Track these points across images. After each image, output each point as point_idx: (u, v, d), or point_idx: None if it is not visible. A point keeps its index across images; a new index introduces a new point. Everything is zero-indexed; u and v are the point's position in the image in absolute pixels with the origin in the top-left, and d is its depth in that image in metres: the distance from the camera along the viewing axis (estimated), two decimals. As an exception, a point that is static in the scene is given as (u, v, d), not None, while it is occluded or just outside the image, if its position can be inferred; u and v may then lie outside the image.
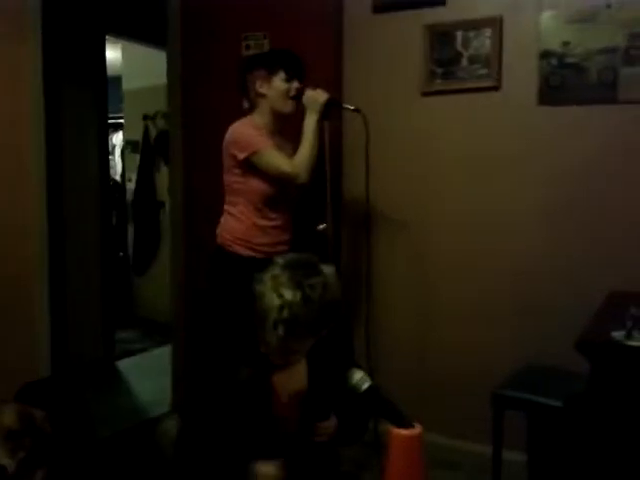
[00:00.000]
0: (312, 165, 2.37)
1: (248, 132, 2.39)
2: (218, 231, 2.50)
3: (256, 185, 2.40)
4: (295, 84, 2.41)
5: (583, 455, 1.89)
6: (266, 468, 1.46)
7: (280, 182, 2.39)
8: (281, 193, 2.43)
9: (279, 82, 2.40)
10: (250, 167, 2.38)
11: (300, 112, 2.43)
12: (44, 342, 2.76)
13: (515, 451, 2.45)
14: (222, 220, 2.50)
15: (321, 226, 2.63)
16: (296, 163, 2.36)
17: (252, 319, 1.55)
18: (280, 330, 1.45)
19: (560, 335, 2.22)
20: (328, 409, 1.59)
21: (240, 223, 2.44)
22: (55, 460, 1.58)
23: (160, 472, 2.57)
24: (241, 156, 2.36)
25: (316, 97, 2.39)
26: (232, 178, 2.44)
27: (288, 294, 1.45)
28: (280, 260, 1.56)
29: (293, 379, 1.61)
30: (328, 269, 1.55)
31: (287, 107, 2.43)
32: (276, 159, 2.35)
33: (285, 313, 1.44)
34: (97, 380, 3.82)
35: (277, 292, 1.46)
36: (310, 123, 2.38)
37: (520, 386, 2.26)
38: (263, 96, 2.43)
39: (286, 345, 1.48)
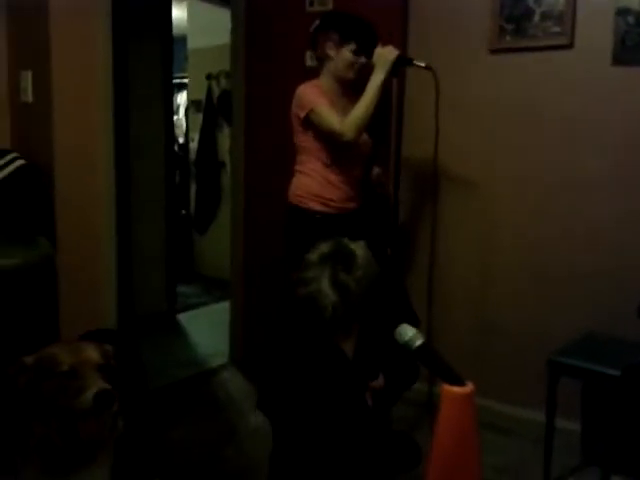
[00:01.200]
0: (363, 125, 2.35)
1: (309, 91, 2.42)
2: (291, 190, 2.53)
3: (322, 142, 2.43)
4: (362, 59, 2.43)
5: (638, 426, 1.86)
6: None
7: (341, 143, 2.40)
8: (348, 149, 2.44)
9: (347, 53, 2.42)
10: (312, 126, 2.41)
11: (364, 69, 2.42)
12: (111, 295, 2.86)
13: (569, 419, 2.43)
14: (294, 180, 2.53)
15: (376, 169, 2.63)
16: (346, 121, 2.34)
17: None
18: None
19: (623, 303, 2.16)
20: (377, 369, 1.61)
21: (312, 180, 2.48)
22: (123, 399, 1.65)
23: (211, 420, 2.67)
24: (302, 114, 2.40)
25: (386, 55, 2.36)
26: (300, 137, 2.48)
27: (331, 293, 1.57)
28: (318, 253, 1.64)
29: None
30: (360, 250, 1.63)
31: (348, 75, 2.45)
32: (328, 116, 2.36)
33: (329, 311, 1.57)
34: (159, 332, 3.97)
35: (323, 290, 1.58)
36: (374, 82, 2.35)
37: (577, 353, 2.22)
38: (330, 58, 2.45)
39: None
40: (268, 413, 1.65)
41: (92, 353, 1.52)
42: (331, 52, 2.44)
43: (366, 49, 2.42)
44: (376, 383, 1.62)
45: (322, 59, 2.50)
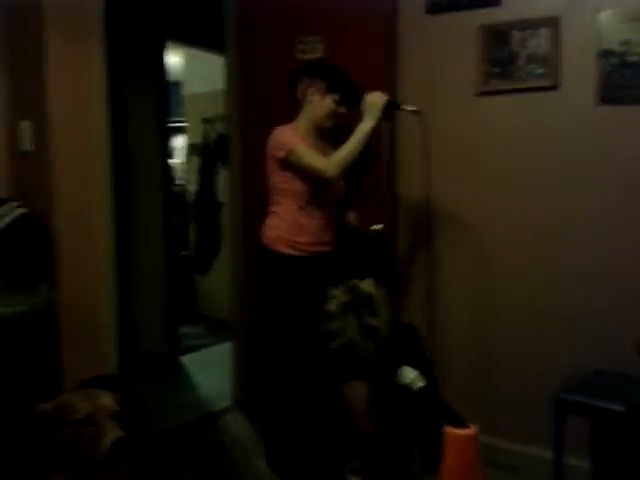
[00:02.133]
0: (346, 165, 2.40)
1: (286, 133, 2.50)
2: (263, 231, 2.59)
3: (298, 184, 2.49)
4: (342, 109, 2.53)
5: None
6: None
7: (321, 183, 2.46)
8: (323, 192, 2.51)
9: (330, 102, 2.52)
10: (290, 166, 2.47)
11: (353, 118, 2.49)
12: (111, 339, 2.86)
13: (577, 457, 2.42)
14: (267, 220, 2.60)
15: (376, 226, 2.67)
16: (330, 159, 2.41)
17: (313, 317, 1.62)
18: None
19: (624, 340, 2.19)
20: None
21: (283, 222, 2.53)
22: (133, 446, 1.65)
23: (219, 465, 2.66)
24: (280, 155, 2.47)
25: (375, 101, 2.42)
26: (275, 178, 2.54)
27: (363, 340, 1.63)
28: (336, 303, 1.70)
29: None
30: (372, 288, 1.65)
31: (327, 123, 2.56)
32: (309, 155, 2.44)
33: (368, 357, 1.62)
34: (161, 374, 3.96)
35: (355, 339, 1.63)
36: (364, 127, 2.40)
37: (582, 390, 2.23)
38: (310, 103, 2.55)
39: None
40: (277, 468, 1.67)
41: (107, 400, 1.53)
42: (314, 98, 2.53)
43: (348, 100, 2.52)
44: None
45: (299, 102, 2.58)
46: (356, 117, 2.47)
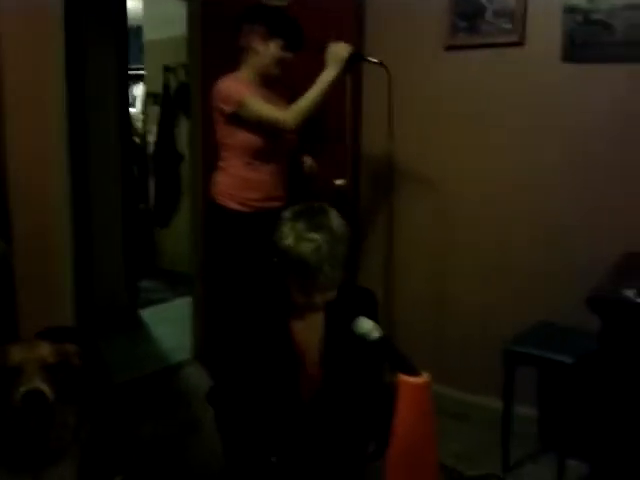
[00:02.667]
0: (306, 117, 2.33)
1: (233, 85, 2.39)
2: (210, 187, 2.54)
3: (244, 138, 2.41)
4: (289, 54, 2.43)
5: (593, 412, 1.93)
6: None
7: (270, 134, 2.40)
8: (271, 146, 2.44)
9: (275, 48, 2.41)
10: (238, 120, 2.39)
11: (312, 66, 2.40)
12: (68, 292, 2.82)
13: (524, 405, 2.51)
14: (214, 175, 2.54)
15: (339, 181, 2.65)
16: (289, 110, 2.34)
17: (275, 269, 1.60)
18: (326, 267, 1.54)
19: (574, 292, 2.24)
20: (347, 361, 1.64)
21: (230, 177, 2.48)
22: (88, 398, 1.64)
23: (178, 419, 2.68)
24: (228, 109, 2.37)
25: (338, 51, 2.35)
26: (222, 132, 2.47)
27: (315, 236, 1.54)
28: (288, 213, 1.62)
29: (312, 329, 1.66)
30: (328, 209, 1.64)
31: (274, 71, 2.45)
32: (262, 106, 2.35)
33: (323, 251, 1.53)
34: (120, 327, 3.93)
35: (305, 238, 1.55)
36: (326, 77, 2.33)
37: (531, 342, 2.30)
38: (254, 51, 2.44)
39: (328, 281, 1.57)
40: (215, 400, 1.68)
41: (44, 351, 1.51)
42: (258, 46, 2.42)
43: (294, 45, 2.42)
44: None
45: (244, 50, 2.47)
46: (304, 63, 2.39)
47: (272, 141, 2.42)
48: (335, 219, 1.61)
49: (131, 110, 5.07)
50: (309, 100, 2.32)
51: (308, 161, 2.65)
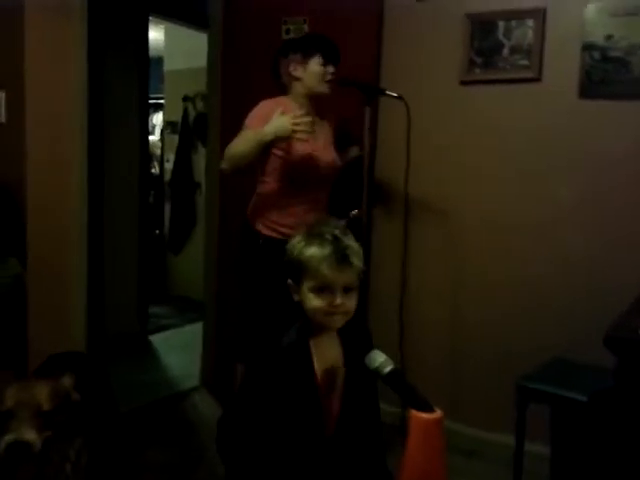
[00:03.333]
0: (233, 164, 2.30)
1: (261, 110, 2.37)
2: (248, 208, 2.53)
3: (277, 162, 2.40)
4: (330, 68, 2.42)
5: (607, 451, 1.89)
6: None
7: (305, 162, 2.39)
8: (305, 173, 2.41)
9: (315, 65, 2.41)
10: (267, 144, 2.35)
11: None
12: (80, 317, 2.83)
13: (537, 443, 2.46)
14: (252, 198, 2.53)
15: (354, 212, 2.65)
16: (226, 150, 2.32)
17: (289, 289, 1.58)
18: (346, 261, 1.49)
19: (589, 329, 2.21)
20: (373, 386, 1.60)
21: (262, 199, 2.46)
22: (89, 428, 1.62)
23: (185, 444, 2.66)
24: None
25: (283, 123, 2.24)
26: (260, 156, 2.44)
27: (326, 229, 1.52)
28: (297, 238, 1.58)
29: (328, 351, 1.60)
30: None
31: (322, 88, 2.43)
32: (237, 140, 2.31)
33: (341, 240, 1.50)
34: (130, 353, 3.93)
35: (318, 236, 1.52)
36: (262, 132, 2.25)
37: (545, 378, 2.26)
38: (298, 79, 2.44)
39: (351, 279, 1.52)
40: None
41: (40, 396, 1.47)
42: (297, 72, 2.43)
43: (331, 58, 2.42)
44: None
45: (287, 85, 2.49)
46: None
47: (307, 166, 2.39)
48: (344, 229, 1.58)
49: (150, 138, 5.16)
50: (236, 150, 2.29)
51: (353, 151, 2.60)
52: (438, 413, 1.36)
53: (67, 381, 1.59)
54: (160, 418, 3.02)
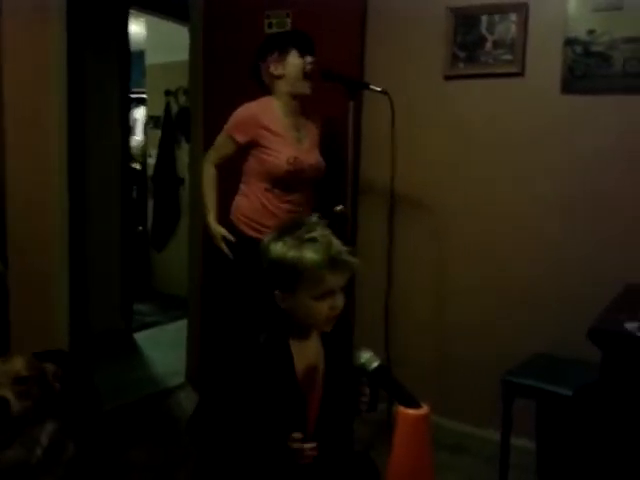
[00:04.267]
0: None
1: (242, 113, 2.44)
2: (232, 209, 2.53)
3: (262, 164, 2.41)
4: (308, 58, 2.43)
5: (592, 445, 1.90)
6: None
7: (289, 165, 2.40)
8: (291, 176, 2.42)
9: (293, 59, 2.42)
10: (249, 146, 2.41)
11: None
12: (63, 315, 2.80)
13: (523, 438, 2.48)
14: (235, 198, 2.53)
15: (338, 207, 2.64)
16: (205, 173, 2.52)
17: (270, 288, 1.55)
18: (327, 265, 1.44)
19: (574, 324, 2.22)
20: (353, 384, 1.58)
21: (249, 202, 2.47)
22: (66, 418, 1.62)
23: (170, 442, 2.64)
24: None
25: (217, 231, 2.49)
26: (242, 157, 2.48)
27: (315, 234, 1.46)
28: (269, 237, 1.52)
29: (308, 350, 1.59)
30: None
31: (303, 88, 2.44)
32: (213, 147, 2.51)
33: (335, 245, 1.46)
34: (115, 351, 3.90)
35: (309, 250, 1.44)
36: (208, 219, 2.51)
37: (530, 373, 2.27)
38: (280, 77, 2.45)
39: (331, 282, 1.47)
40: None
41: (17, 364, 1.54)
42: (277, 71, 2.44)
43: (307, 49, 2.43)
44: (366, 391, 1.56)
45: (271, 85, 2.49)
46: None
47: (290, 172, 2.40)
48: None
49: (132, 133, 5.10)
50: (203, 195, 2.55)
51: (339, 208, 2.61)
52: (425, 409, 1.36)
53: (49, 366, 1.64)
54: (145, 416, 3.00)
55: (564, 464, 2.20)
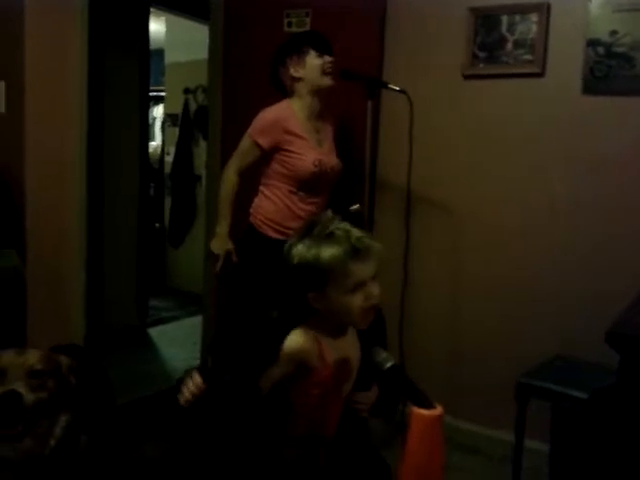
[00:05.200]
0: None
1: (265, 118, 2.43)
2: (252, 210, 2.53)
3: (288, 167, 2.42)
4: (327, 58, 2.44)
5: (606, 450, 1.88)
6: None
7: (314, 168, 2.41)
8: (314, 178, 2.43)
9: (312, 59, 2.43)
10: (275, 149, 2.41)
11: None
12: (79, 309, 2.83)
13: (536, 440, 2.45)
14: (256, 200, 2.53)
15: (354, 207, 2.64)
16: (226, 179, 2.49)
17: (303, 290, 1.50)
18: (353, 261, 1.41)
19: (591, 326, 2.20)
20: (370, 381, 1.58)
21: (273, 205, 2.47)
22: (79, 411, 1.63)
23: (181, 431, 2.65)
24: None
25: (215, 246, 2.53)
26: (263, 160, 2.48)
27: (334, 227, 1.43)
28: (292, 239, 1.50)
29: (344, 345, 1.56)
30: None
31: (325, 81, 2.44)
32: (237, 154, 2.47)
33: (353, 232, 1.42)
34: (130, 346, 3.92)
35: (330, 245, 1.41)
36: (218, 231, 2.52)
37: (546, 376, 2.25)
38: (299, 80, 2.46)
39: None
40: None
41: (32, 358, 1.54)
42: (297, 72, 2.45)
43: (324, 48, 2.45)
44: (369, 394, 1.56)
45: (291, 89, 2.50)
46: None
47: (314, 174, 2.42)
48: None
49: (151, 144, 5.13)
50: (220, 195, 2.54)
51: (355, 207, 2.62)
52: (439, 409, 1.35)
53: (64, 359, 1.64)
54: (158, 410, 3.01)
55: (578, 468, 2.18)
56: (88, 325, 2.94)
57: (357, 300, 1.43)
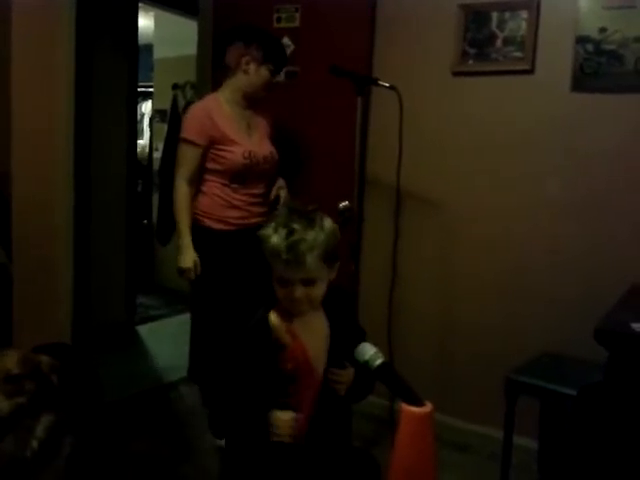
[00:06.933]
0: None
1: (196, 115, 2.45)
2: (192, 207, 2.54)
3: (219, 163, 2.47)
4: (277, 79, 2.56)
5: (594, 445, 1.89)
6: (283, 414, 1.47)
7: (245, 159, 2.45)
8: (247, 169, 2.47)
9: (266, 72, 2.49)
10: (209, 147, 2.45)
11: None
12: (67, 307, 2.81)
13: (526, 437, 2.46)
14: (196, 198, 2.55)
15: (343, 203, 2.63)
16: (177, 189, 2.46)
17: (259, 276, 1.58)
18: (307, 256, 1.47)
19: (579, 324, 2.21)
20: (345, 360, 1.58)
21: (209, 198, 2.51)
22: (63, 410, 1.61)
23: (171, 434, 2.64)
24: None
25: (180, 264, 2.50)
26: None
27: (292, 225, 1.49)
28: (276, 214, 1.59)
29: (313, 326, 1.61)
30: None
31: (261, 93, 2.53)
32: (180, 163, 2.46)
33: (295, 236, 1.47)
34: (117, 343, 3.90)
35: (283, 227, 1.49)
36: (182, 243, 2.48)
37: (535, 372, 2.26)
38: (244, 73, 2.48)
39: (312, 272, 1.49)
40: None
41: (8, 361, 1.52)
42: (249, 68, 2.48)
43: (278, 71, 2.54)
44: (345, 372, 1.55)
45: (230, 68, 2.52)
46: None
47: (246, 165, 2.47)
48: (324, 217, 1.55)
49: (139, 127, 5.09)
50: (176, 214, 2.50)
51: (278, 182, 2.66)
52: (428, 406, 1.35)
53: (45, 359, 1.61)
54: (147, 409, 3.00)
55: (566, 463, 2.19)
56: (76, 323, 2.91)
57: (280, 292, 1.54)
